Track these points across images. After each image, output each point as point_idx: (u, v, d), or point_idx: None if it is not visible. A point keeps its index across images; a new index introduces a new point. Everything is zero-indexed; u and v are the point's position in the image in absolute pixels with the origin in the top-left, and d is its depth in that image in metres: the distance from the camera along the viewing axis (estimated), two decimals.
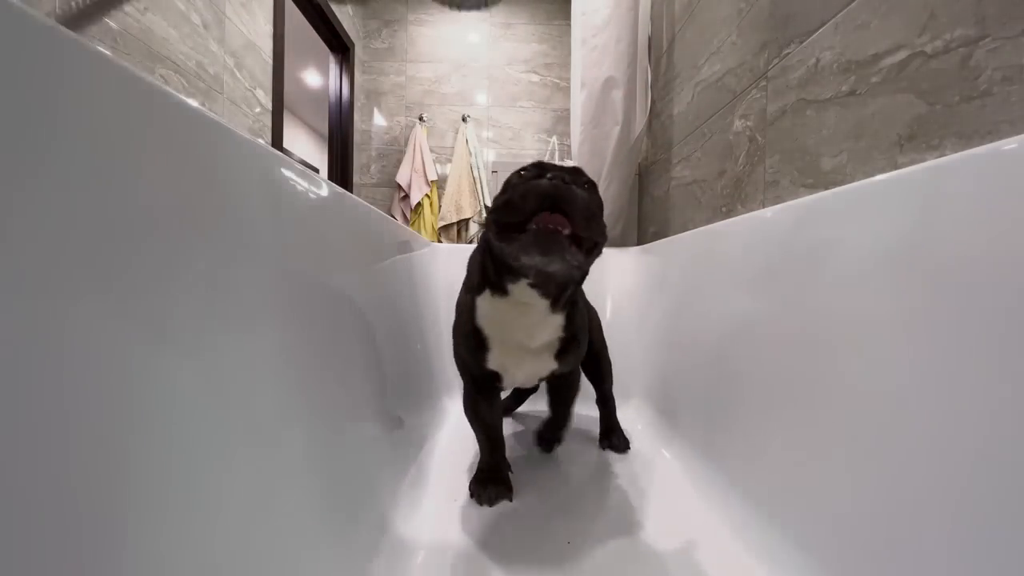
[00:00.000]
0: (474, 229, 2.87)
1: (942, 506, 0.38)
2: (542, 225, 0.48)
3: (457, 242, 2.85)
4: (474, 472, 0.74)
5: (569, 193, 0.48)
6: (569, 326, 0.66)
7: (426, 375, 1.02)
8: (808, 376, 0.56)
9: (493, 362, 0.66)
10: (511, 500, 0.68)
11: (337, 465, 0.51)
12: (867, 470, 0.46)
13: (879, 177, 0.51)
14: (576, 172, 0.55)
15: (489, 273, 0.60)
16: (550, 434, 0.86)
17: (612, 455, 0.88)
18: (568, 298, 0.63)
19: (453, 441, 0.92)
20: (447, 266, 1.30)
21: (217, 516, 0.32)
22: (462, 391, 0.74)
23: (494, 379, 0.69)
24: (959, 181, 0.41)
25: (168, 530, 0.28)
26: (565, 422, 0.84)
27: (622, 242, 1.59)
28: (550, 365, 0.68)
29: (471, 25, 3.08)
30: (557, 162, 0.75)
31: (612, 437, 0.91)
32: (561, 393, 0.81)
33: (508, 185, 0.55)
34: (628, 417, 1.05)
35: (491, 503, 0.68)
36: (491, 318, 0.63)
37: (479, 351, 0.65)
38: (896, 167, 0.61)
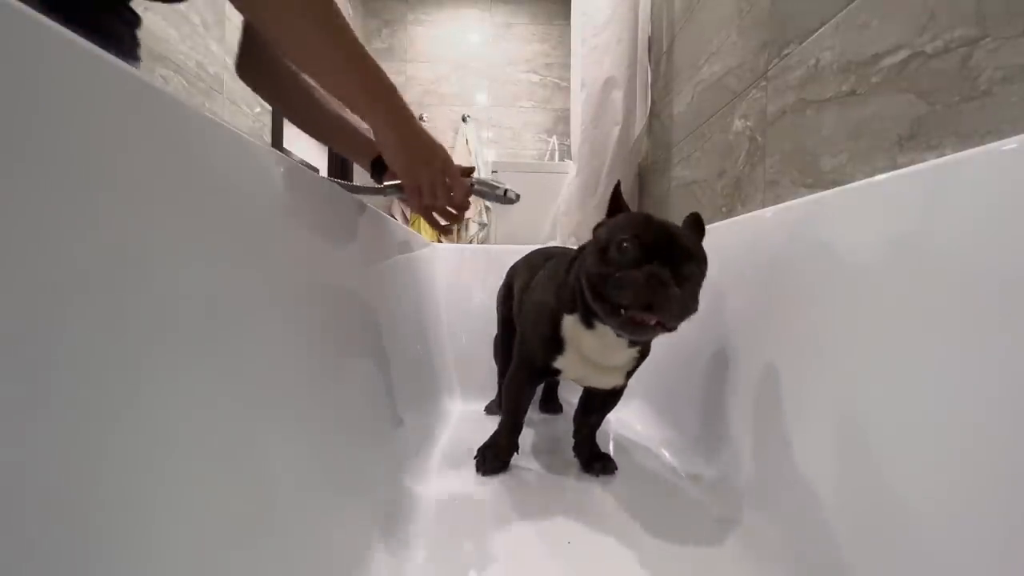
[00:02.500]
0: (474, 229, 2.87)
1: (945, 506, 0.38)
2: (634, 317, 0.52)
3: (457, 242, 2.85)
4: (487, 439, 0.80)
5: (663, 296, 0.50)
6: (644, 349, 0.70)
7: (426, 375, 1.02)
8: (808, 376, 0.56)
9: (561, 363, 0.70)
10: (505, 470, 0.78)
11: (336, 465, 0.51)
12: (870, 470, 0.46)
13: (879, 177, 0.51)
14: (685, 253, 0.53)
15: (579, 303, 0.64)
16: (597, 453, 0.80)
17: (612, 454, 0.88)
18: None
19: (453, 441, 0.92)
20: (447, 266, 1.30)
21: (214, 516, 0.32)
22: (511, 372, 0.78)
23: (553, 373, 0.73)
24: (959, 181, 0.41)
25: (167, 526, 0.28)
26: (595, 430, 0.83)
27: None
28: (616, 380, 0.72)
29: (471, 25, 3.08)
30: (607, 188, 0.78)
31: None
32: (605, 402, 0.79)
33: (607, 248, 0.55)
34: (628, 417, 1.05)
35: (486, 474, 0.76)
36: (574, 334, 0.67)
37: (553, 352, 0.70)
38: (896, 167, 0.61)
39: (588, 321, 0.64)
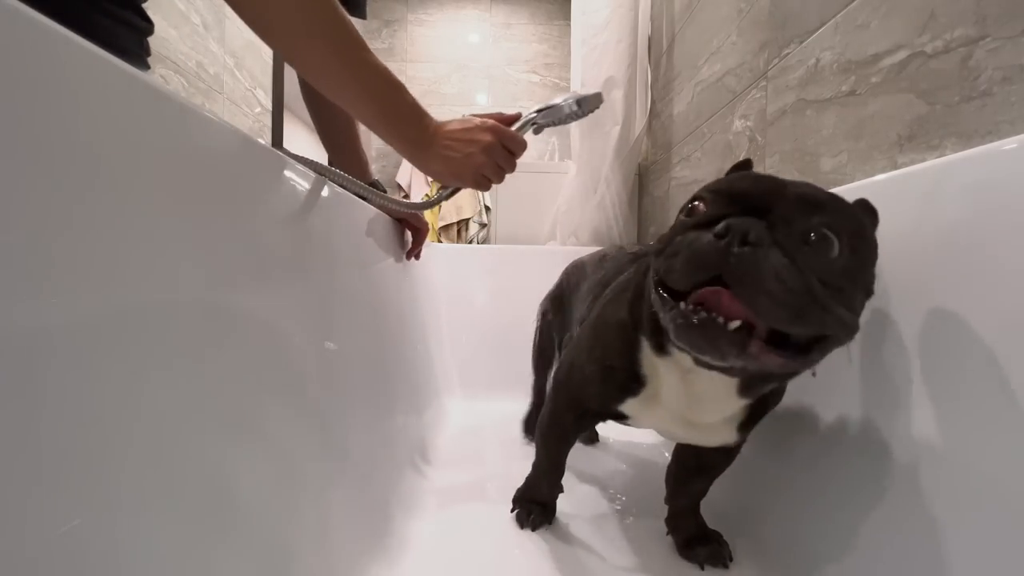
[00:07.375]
0: (474, 229, 2.87)
1: (945, 507, 0.38)
2: (697, 306, 0.31)
3: (457, 242, 2.85)
4: (523, 484, 0.64)
5: (744, 263, 0.29)
6: (775, 389, 0.46)
7: (426, 376, 1.02)
8: (807, 375, 0.56)
9: (631, 407, 0.49)
10: (550, 523, 0.62)
11: (334, 467, 0.51)
12: (869, 471, 0.46)
13: (879, 177, 0.51)
14: (802, 204, 0.32)
15: (646, 316, 0.43)
16: (703, 531, 0.56)
17: (609, 456, 0.88)
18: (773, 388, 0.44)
19: (453, 442, 0.92)
20: (447, 266, 1.30)
21: (212, 516, 0.32)
22: (547, 411, 0.60)
23: (615, 418, 0.53)
24: (959, 181, 0.41)
25: (166, 525, 0.28)
26: (699, 499, 0.58)
27: (622, 242, 1.60)
28: (725, 436, 0.48)
29: (471, 25, 3.08)
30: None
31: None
32: (712, 463, 0.54)
33: (678, 219, 0.37)
34: None
35: (534, 527, 0.60)
36: (653, 368, 0.45)
37: (619, 392, 0.48)
38: (896, 167, 0.61)
39: (659, 342, 0.42)
